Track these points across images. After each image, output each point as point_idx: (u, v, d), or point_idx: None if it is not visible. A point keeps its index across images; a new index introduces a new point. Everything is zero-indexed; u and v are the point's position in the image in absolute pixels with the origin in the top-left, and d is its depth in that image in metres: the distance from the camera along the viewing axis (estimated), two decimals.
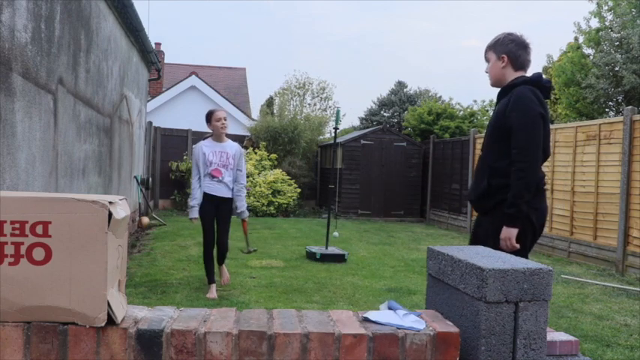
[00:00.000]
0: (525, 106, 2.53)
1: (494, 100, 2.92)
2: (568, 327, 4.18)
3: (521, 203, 2.46)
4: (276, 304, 4.56)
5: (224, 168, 4.73)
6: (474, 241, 2.73)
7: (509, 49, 2.68)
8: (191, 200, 4.75)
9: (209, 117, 4.79)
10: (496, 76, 2.74)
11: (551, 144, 8.89)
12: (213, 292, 4.76)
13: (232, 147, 4.85)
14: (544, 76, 2.72)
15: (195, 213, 4.72)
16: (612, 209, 7.01)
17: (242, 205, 4.86)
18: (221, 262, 5.01)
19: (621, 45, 12.50)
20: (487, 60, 2.80)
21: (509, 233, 2.49)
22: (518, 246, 2.50)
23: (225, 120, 4.78)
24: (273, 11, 78.11)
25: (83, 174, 5.15)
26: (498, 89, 2.78)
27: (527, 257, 2.55)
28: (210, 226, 4.78)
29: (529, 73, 2.75)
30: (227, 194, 4.77)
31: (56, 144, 4.18)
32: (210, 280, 4.83)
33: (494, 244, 2.51)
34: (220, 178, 4.72)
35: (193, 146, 4.91)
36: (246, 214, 4.97)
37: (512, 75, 2.70)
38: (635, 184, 6.64)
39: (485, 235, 2.61)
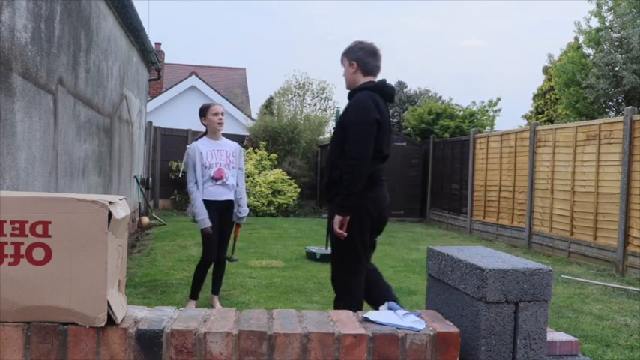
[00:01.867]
0: (359, 111, 2.82)
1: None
2: (568, 327, 4.18)
3: (350, 195, 2.76)
4: (276, 304, 4.56)
5: (226, 168, 4.24)
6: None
7: (359, 57, 2.96)
8: (195, 209, 4.13)
9: (204, 111, 4.29)
10: (349, 80, 3.03)
11: (551, 144, 8.80)
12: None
13: (230, 145, 4.38)
14: (387, 82, 2.99)
15: (207, 222, 4.10)
16: (612, 209, 7.00)
17: (244, 209, 4.38)
18: (217, 289, 4.44)
19: (621, 45, 12.48)
20: (343, 65, 3.06)
21: (340, 221, 2.81)
22: (345, 234, 2.81)
23: (222, 115, 4.29)
24: (273, 11, 78.15)
25: (83, 174, 5.15)
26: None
27: (366, 241, 2.93)
28: (214, 238, 4.19)
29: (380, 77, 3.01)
30: (231, 197, 4.28)
31: (56, 144, 4.18)
32: (194, 296, 4.29)
33: (332, 227, 2.89)
34: (224, 179, 4.21)
35: (187, 147, 4.34)
36: (245, 219, 4.48)
37: (362, 79, 2.97)
38: (635, 184, 6.64)
39: (328, 221, 2.99)
